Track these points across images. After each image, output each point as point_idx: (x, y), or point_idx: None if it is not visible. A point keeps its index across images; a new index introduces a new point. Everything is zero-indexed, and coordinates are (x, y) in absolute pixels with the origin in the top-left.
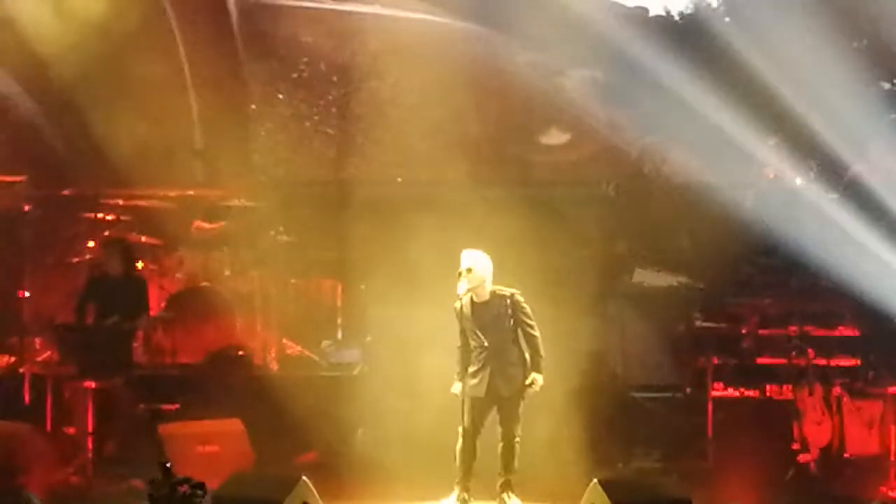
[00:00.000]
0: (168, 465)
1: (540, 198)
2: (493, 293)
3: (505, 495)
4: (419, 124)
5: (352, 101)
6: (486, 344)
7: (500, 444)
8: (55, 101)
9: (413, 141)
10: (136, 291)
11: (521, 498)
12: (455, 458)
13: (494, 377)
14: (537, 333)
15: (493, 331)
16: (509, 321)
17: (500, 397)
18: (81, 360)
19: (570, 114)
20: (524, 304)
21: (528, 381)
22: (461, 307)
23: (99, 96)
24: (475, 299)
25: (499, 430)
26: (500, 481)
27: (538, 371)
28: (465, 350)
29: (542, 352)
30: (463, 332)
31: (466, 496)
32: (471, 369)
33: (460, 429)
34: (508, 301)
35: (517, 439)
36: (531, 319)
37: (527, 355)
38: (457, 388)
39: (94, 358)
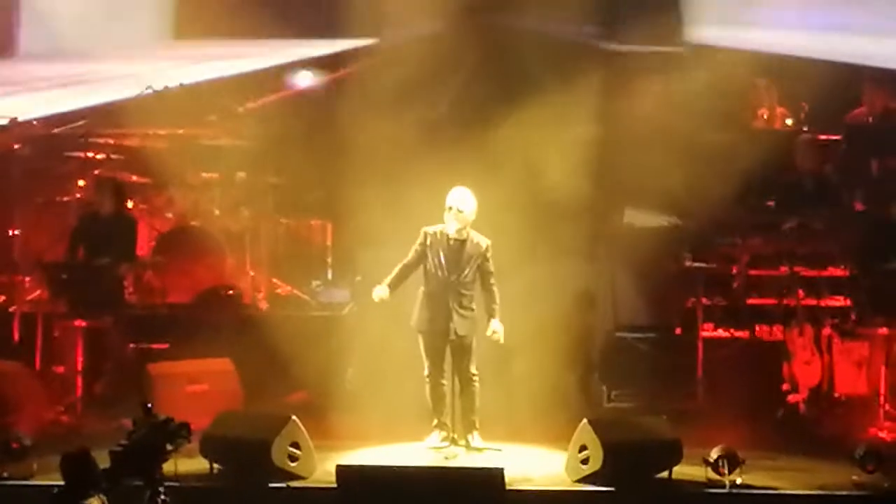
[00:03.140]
0: (149, 405)
1: (530, 138)
2: (470, 235)
3: (470, 437)
4: None
5: None
6: (450, 279)
7: (459, 384)
8: None
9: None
10: (126, 231)
11: (511, 440)
12: (428, 403)
13: (451, 314)
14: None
15: (459, 269)
16: (476, 266)
17: (455, 335)
18: (71, 298)
19: None
20: (490, 256)
21: (490, 332)
22: (432, 236)
23: None
24: (450, 234)
25: (454, 371)
26: (463, 422)
27: (496, 317)
28: (407, 270)
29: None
30: (418, 257)
31: (447, 434)
32: (425, 303)
33: (425, 374)
34: (483, 249)
35: (475, 377)
36: (493, 271)
37: (495, 303)
38: (379, 291)
39: (84, 297)
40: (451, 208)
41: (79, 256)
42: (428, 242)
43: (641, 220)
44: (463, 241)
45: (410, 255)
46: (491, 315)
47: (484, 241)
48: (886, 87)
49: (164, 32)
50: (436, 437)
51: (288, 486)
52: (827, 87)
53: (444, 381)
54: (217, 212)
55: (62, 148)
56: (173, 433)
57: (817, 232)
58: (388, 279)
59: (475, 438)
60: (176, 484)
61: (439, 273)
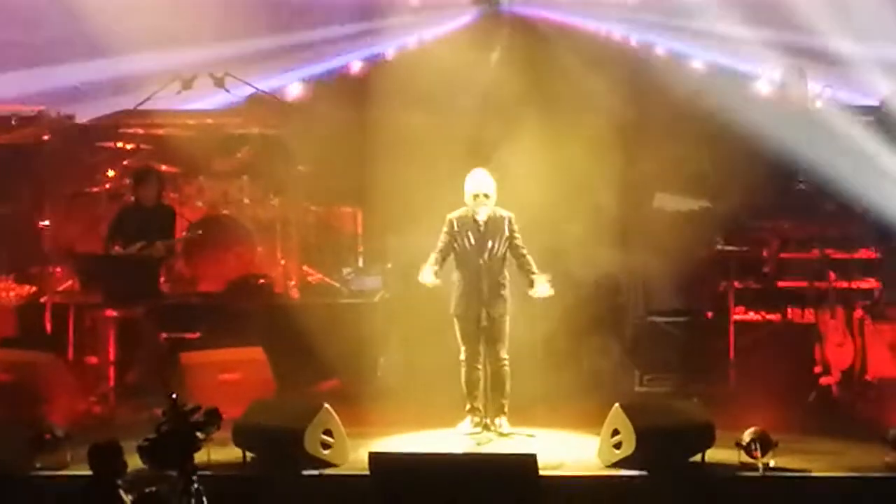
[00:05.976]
0: (174, 395)
1: (560, 124)
2: (492, 213)
3: (497, 420)
4: None
5: None
6: (479, 262)
7: (490, 369)
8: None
9: None
10: (167, 220)
11: (543, 425)
12: (463, 388)
13: (485, 296)
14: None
15: (488, 250)
16: (504, 242)
17: (489, 318)
18: (103, 289)
19: None
20: (516, 227)
21: (540, 291)
22: (457, 222)
23: None
24: (475, 216)
25: (486, 355)
26: (492, 406)
27: (538, 274)
28: (442, 256)
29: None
30: (448, 243)
31: (479, 420)
32: (460, 288)
33: (461, 358)
34: (507, 222)
35: (505, 362)
36: (521, 244)
37: (533, 274)
38: (427, 276)
39: (116, 287)
40: (476, 195)
41: (116, 247)
42: (455, 228)
43: (672, 204)
44: (486, 221)
45: (440, 243)
46: (532, 278)
47: (506, 213)
48: None
49: None
50: (468, 423)
51: (321, 474)
52: None
53: (479, 366)
54: (247, 200)
55: (91, 139)
56: (202, 421)
57: (850, 214)
58: (430, 262)
59: (503, 424)
60: (209, 473)
61: (471, 256)
